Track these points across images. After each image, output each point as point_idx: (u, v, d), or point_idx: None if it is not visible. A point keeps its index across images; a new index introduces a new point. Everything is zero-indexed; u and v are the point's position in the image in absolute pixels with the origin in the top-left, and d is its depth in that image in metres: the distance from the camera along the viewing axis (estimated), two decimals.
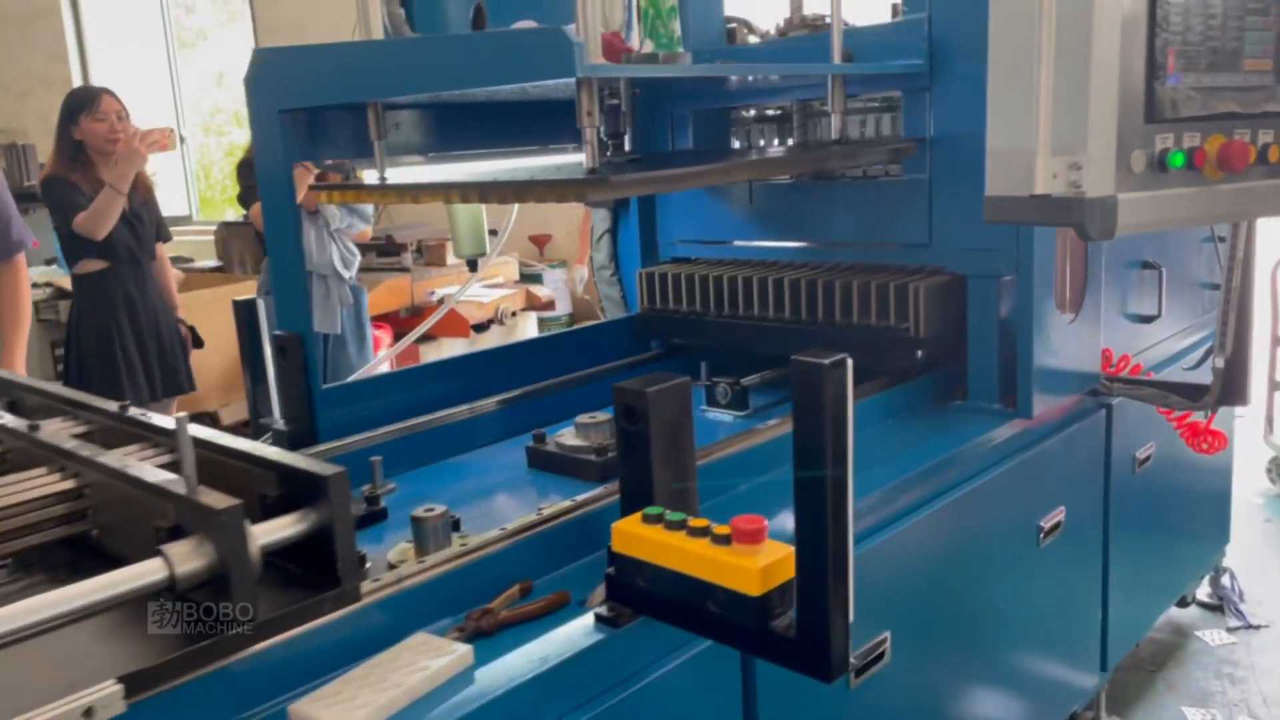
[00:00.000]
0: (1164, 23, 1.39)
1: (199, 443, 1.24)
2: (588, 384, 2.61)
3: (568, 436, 2.09)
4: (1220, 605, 3.43)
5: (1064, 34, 1.35)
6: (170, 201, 9.39)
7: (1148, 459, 2.74)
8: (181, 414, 1.04)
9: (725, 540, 1.27)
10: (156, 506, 1.07)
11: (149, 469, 1.13)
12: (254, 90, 2.00)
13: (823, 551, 1.18)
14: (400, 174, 2.07)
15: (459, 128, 2.34)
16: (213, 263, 6.43)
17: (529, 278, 6.74)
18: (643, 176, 1.59)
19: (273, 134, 1.98)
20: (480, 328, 5.78)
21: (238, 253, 5.96)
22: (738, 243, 2.71)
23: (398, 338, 5.29)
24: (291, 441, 2.11)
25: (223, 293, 5.37)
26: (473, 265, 2.68)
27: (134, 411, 1.40)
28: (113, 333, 3.87)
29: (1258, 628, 3.31)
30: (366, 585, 1.37)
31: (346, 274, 4.54)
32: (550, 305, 6.28)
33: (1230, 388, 2.29)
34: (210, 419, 5.28)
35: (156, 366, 4.01)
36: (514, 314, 5.97)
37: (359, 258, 4.67)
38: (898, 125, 2.36)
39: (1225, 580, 3.46)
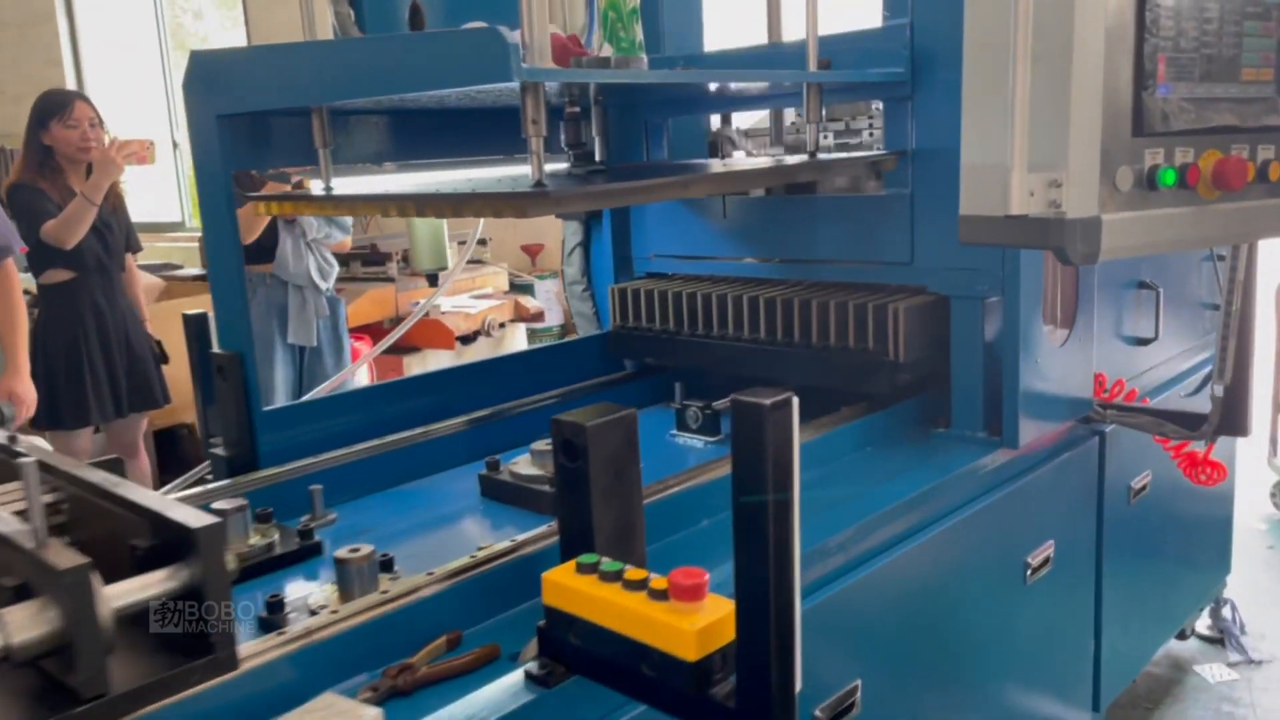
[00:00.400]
0: (1153, 28, 1.27)
1: (75, 481, 1.12)
2: (556, 405, 2.49)
3: (522, 465, 1.97)
4: (1221, 638, 3.29)
5: (1042, 39, 1.23)
6: (164, 207, 9.30)
7: (1144, 488, 2.61)
8: (28, 458, 0.92)
9: (662, 596, 1.14)
10: (5, 561, 0.95)
11: (6, 516, 1.01)
12: (191, 94, 1.88)
13: (764, 614, 1.05)
14: (350, 184, 1.95)
15: (420, 135, 2.22)
16: (198, 270, 6.31)
17: (520, 288, 6.62)
18: (589, 190, 1.47)
19: (210, 141, 1.86)
20: (467, 339, 5.65)
21: None
22: (715, 258, 2.59)
23: None
24: (231, 467, 2.00)
25: (202, 302, 5.25)
26: (433, 280, 2.56)
27: (23, 444, 1.28)
28: (80, 345, 3.75)
29: (1259, 663, 3.17)
30: (271, 639, 1.25)
31: (324, 285, 4.42)
32: (539, 317, 6.16)
33: (1230, 417, 2.17)
34: (188, 431, 5.16)
35: (125, 380, 3.89)
36: (502, 325, 5.85)
37: (337, 268, 4.55)
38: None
39: (1226, 612, 3.33)
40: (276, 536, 1.73)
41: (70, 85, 9.17)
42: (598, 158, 2.34)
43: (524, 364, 2.67)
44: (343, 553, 1.45)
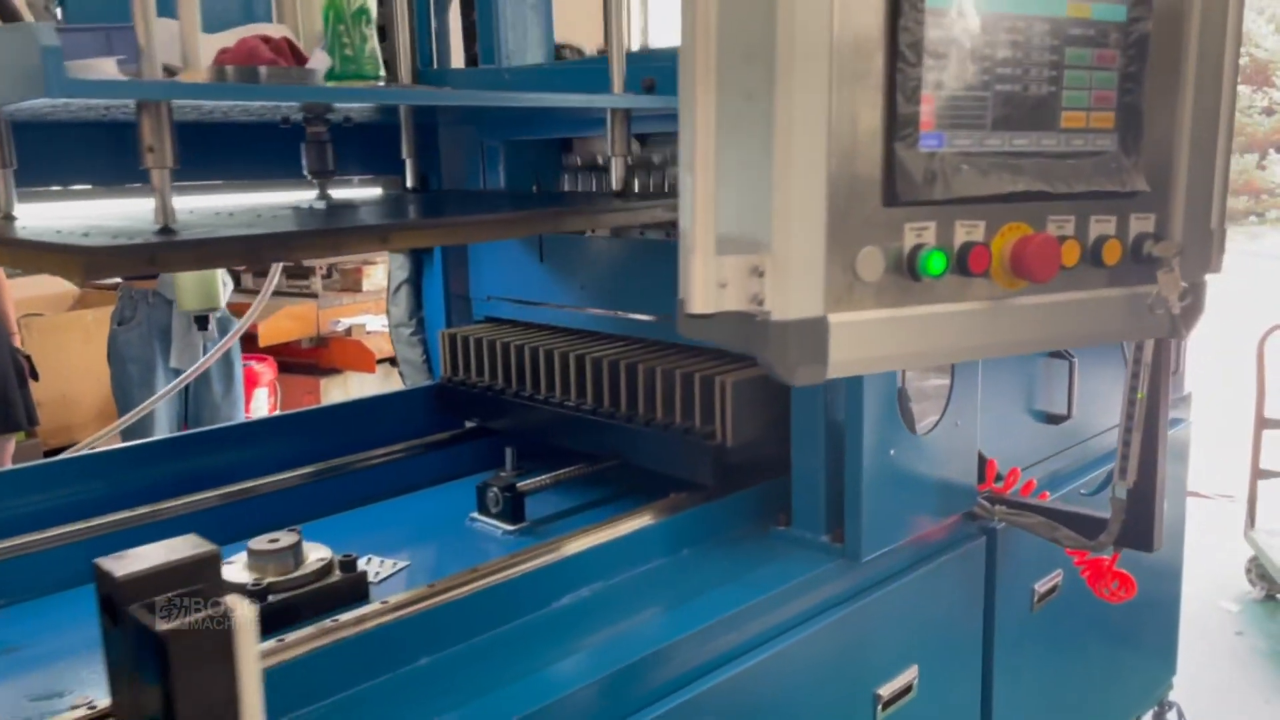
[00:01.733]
0: (911, 53, 0.89)
1: None
2: (361, 474, 2.14)
3: (236, 568, 1.60)
4: None
5: (740, 60, 0.86)
6: None
7: (1052, 591, 2.21)
8: None
9: None
10: None
11: None
12: None
13: None
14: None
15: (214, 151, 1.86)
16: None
17: None
18: (215, 242, 1.11)
19: None
20: (395, 361, 5.30)
21: None
22: (551, 305, 2.23)
23: (285, 371, 4.82)
24: None
25: (106, 314, 4.94)
26: (202, 323, 2.22)
27: None
28: None
29: None
30: None
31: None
32: None
33: (1134, 526, 1.78)
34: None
35: None
36: None
37: (231, 287, 4.20)
38: None
39: (1172, 717, 2.91)
40: None
41: None
42: (408, 184, 2.00)
43: (337, 419, 2.31)
44: None
